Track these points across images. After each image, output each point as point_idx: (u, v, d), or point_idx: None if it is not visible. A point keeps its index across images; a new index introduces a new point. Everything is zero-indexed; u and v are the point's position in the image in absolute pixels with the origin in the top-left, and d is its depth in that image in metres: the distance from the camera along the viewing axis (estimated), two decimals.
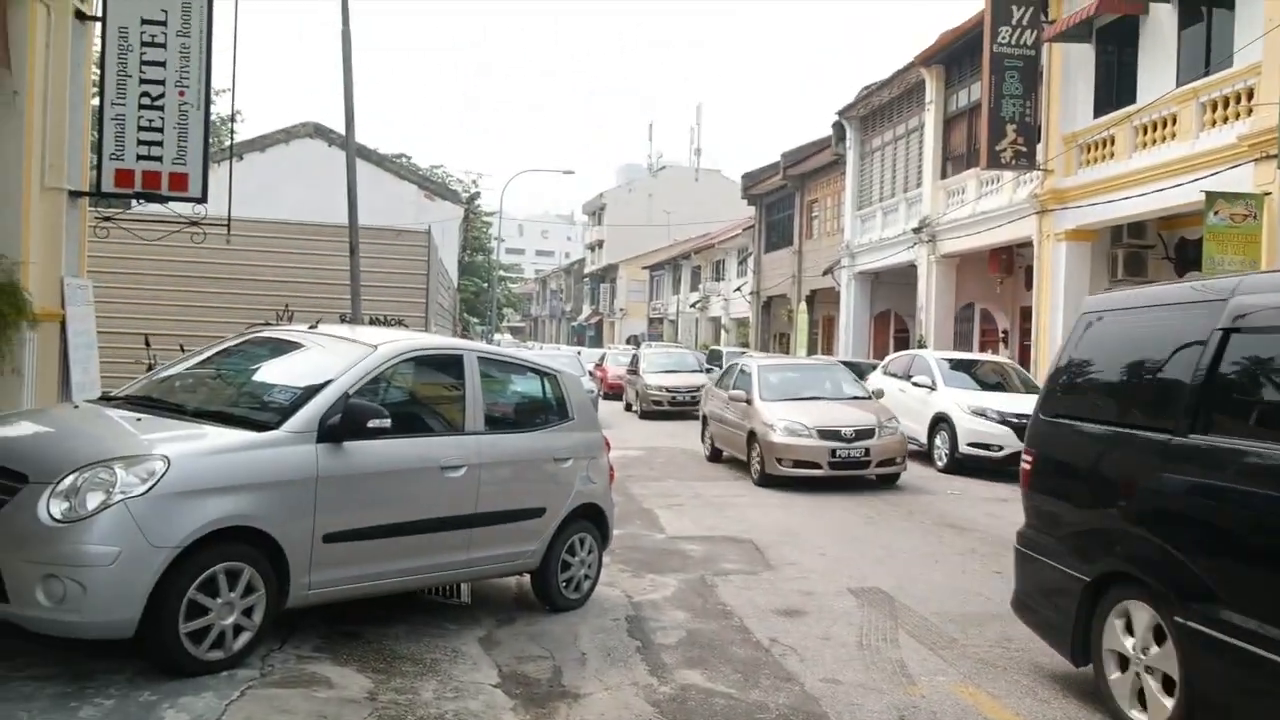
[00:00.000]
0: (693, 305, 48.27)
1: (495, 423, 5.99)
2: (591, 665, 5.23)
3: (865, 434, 12.04)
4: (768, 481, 12.00)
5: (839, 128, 27.52)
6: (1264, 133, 12.15)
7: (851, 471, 11.93)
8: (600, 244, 67.21)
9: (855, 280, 26.44)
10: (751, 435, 12.58)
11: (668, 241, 55.62)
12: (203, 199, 8.10)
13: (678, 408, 22.65)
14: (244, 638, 4.47)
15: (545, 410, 6.50)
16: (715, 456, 14.55)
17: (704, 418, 15.29)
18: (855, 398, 13.42)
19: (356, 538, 4.95)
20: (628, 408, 25.28)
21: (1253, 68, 12.65)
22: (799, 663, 5.39)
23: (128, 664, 4.31)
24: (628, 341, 52.32)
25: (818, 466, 11.79)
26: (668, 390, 23.04)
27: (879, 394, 14.38)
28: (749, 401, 12.95)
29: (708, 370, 24.91)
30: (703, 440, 15.18)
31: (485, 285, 45.64)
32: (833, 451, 11.83)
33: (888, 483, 12.31)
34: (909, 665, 5.40)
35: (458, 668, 4.97)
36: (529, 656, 5.31)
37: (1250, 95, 12.83)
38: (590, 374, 27.22)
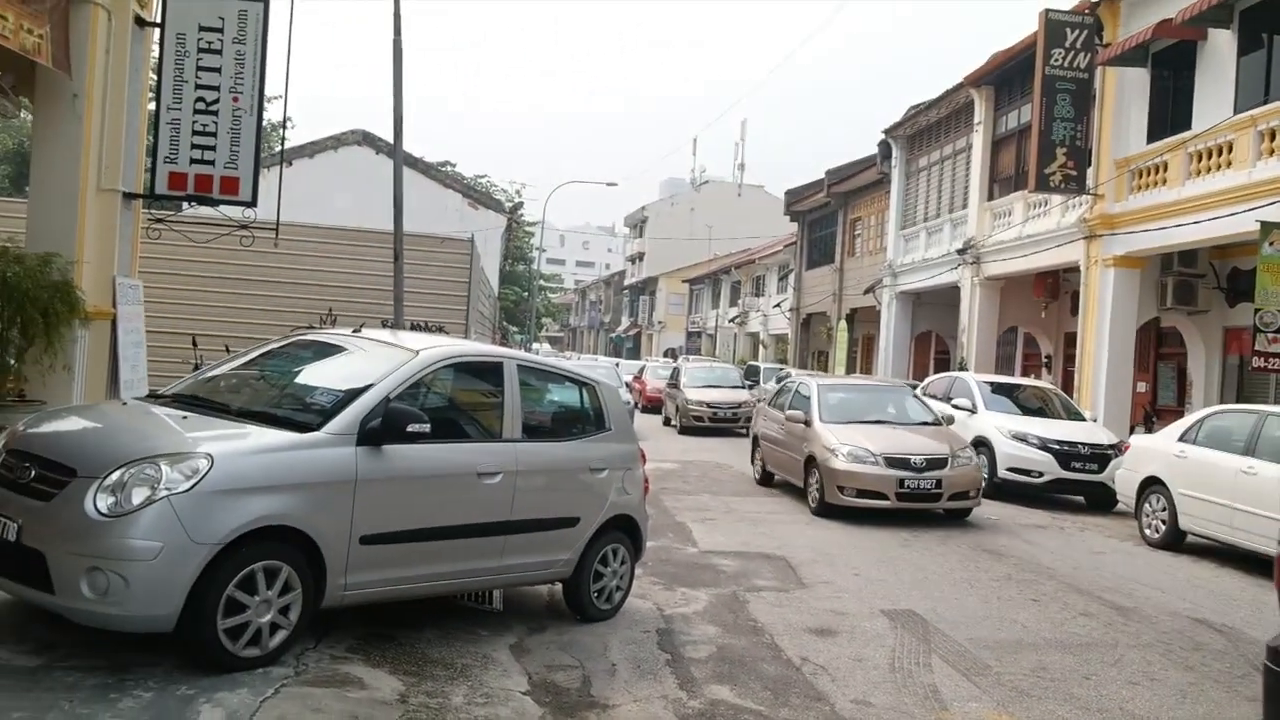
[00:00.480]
0: (731, 320, 48.16)
1: (532, 431, 6.02)
2: (621, 676, 5.22)
3: (937, 463, 10.93)
4: (827, 511, 10.96)
5: (885, 146, 27.39)
6: None
7: (921, 504, 10.90)
8: (641, 256, 67.34)
9: (897, 300, 26.23)
10: (810, 460, 11.50)
11: (708, 256, 55.59)
12: (253, 203, 8.26)
13: (718, 424, 22.11)
14: (280, 636, 4.52)
15: (582, 420, 6.52)
16: (766, 480, 13.57)
17: (755, 438, 14.30)
18: (924, 423, 12.28)
19: (393, 540, 4.99)
20: (666, 422, 24.71)
21: None
22: (830, 683, 5.34)
23: (166, 658, 4.37)
24: (666, 354, 52.30)
25: (884, 497, 10.69)
26: (708, 405, 22.35)
27: (949, 420, 13.13)
28: (807, 423, 11.86)
29: (750, 386, 24.22)
30: (753, 462, 14.21)
31: (525, 294, 45.93)
32: (900, 481, 10.70)
33: (958, 518, 11.36)
34: (941, 690, 5.32)
35: (488, 674, 4.98)
36: (559, 665, 5.31)
37: None
38: (628, 386, 27.29)
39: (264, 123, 10.97)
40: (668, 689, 5.07)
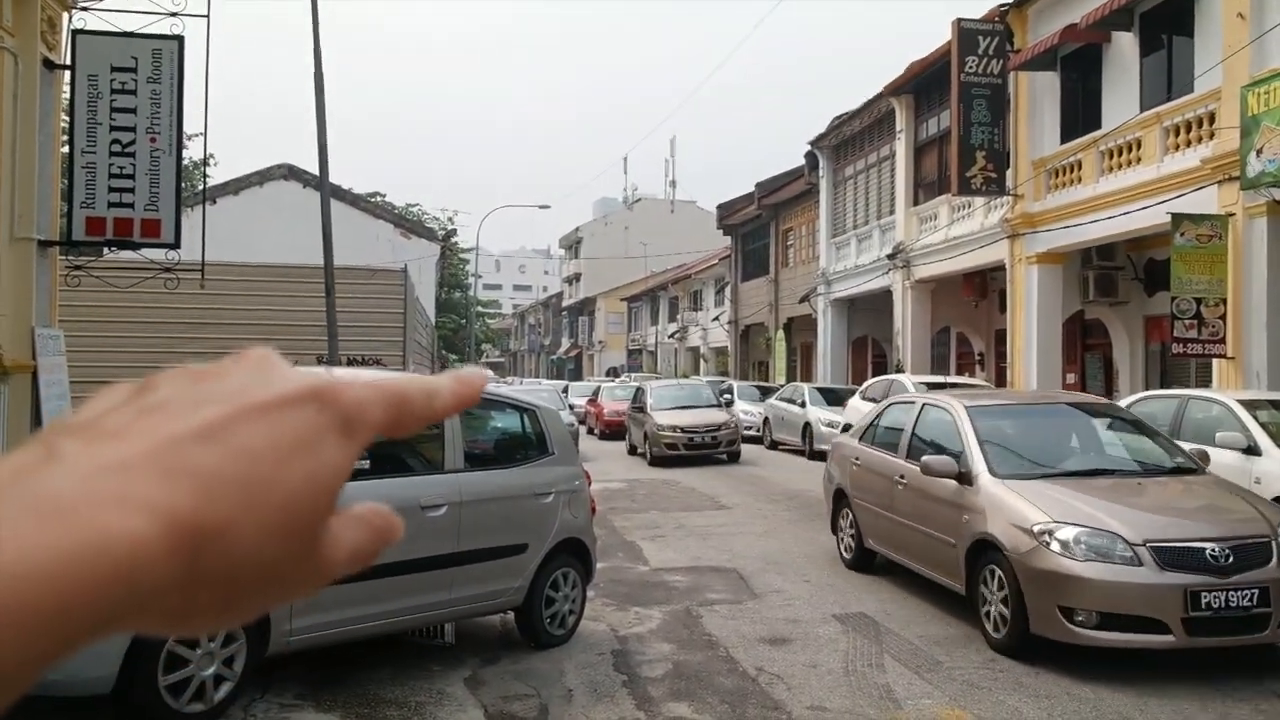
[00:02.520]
0: (671, 335, 48.40)
1: (475, 460, 5.98)
2: (578, 701, 5.19)
3: (1250, 556, 5.66)
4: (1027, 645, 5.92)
5: (811, 157, 27.85)
6: (1226, 155, 12.41)
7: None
8: (578, 277, 67.37)
9: (832, 307, 26.62)
10: (981, 548, 6.41)
11: (645, 273, 55.83)
12: (176, 245, 8.10)
13: (695, 451, 18.30)
14: (225, 688, 4.42)
15: (525, 446, 6.50)
16: (864, 562, 8.57)
17: (837, 495, 9.19)
18: (1174, 469, 7.18)
19: (337, 581, 4.90)
20: (632, 450, 20.81)
21: (1213, 93, 12.94)
22: (786, 691, 5.38)
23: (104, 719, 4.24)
24: (608, 373, 52.29)
25: (1163, 630, 5.52)
26: (683, 431, 18.43)
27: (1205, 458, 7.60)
28: (968, 481, 6.69)
29: (728, 403, 20.91)
30: (836, 531, 9.14)
31: (463, 321, 45.65)
32: (1191, 596, 5.51)
33: None
34: (895, 689, 5.40)
35: (443, 710, 4.92)
36: (515, 695, 5.27)
37: (1211, 119, 13.11)
38: (584, 411, 26.45)
39: (184, 161, 10.79)
40: (625, 710, 5.06)
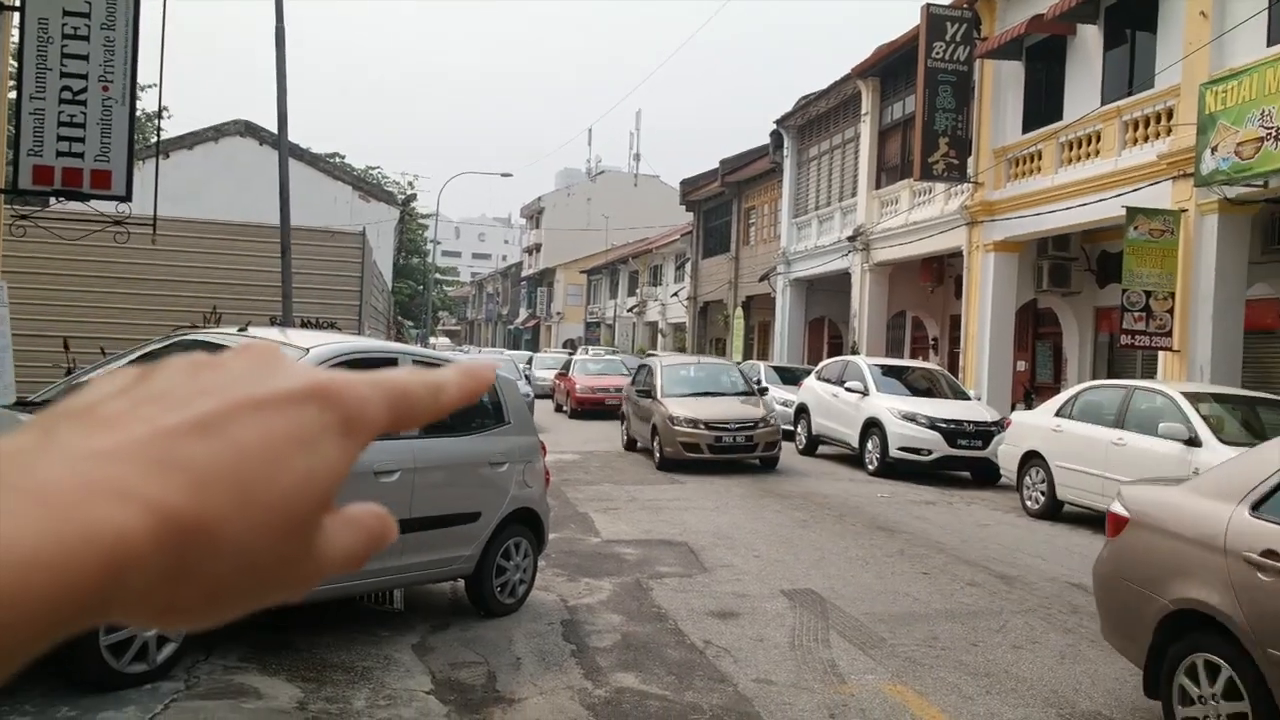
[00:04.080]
0: (630, 310, 48.38)
1: (430, 427, 5.94)
2: (526, 670, 5.21)
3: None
4: None
5: (776, 136, 27.86)
6: (1182, 152, 12.63)
7: None
8: (538, 247, 66.99)
9: (791, 287, 26.77)
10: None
11: (605, 246, 55.66)
12: (126, 197, 7.90)
13: (723, 454, 13.81)
14: (168, 649, 4.37)
15: (481, 414, 6.46)
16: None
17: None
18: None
19: None
20: (631, 446, 16.26)
21: (1172, 89, 13.14)
22: (732, 664, 5.44)
23: (43, 679, 4.17)
24: (564, 345, 52.18)
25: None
26: (707, 427, 13.75)
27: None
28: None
29: (762, 391, 16.24)
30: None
31: (421, 288, 45.19)
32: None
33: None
34: (839, 664, 5.49)
35: (390, 675, 4.91)
36: (463, 662, 5.27)
37: (1170, 115, 13.33)
38: (529, 380, 25.47)
39: (138, 113, 10.51)
40: (573, 679, 5.09)
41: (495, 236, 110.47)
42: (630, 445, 16.34)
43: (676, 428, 13.82)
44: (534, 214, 69.43)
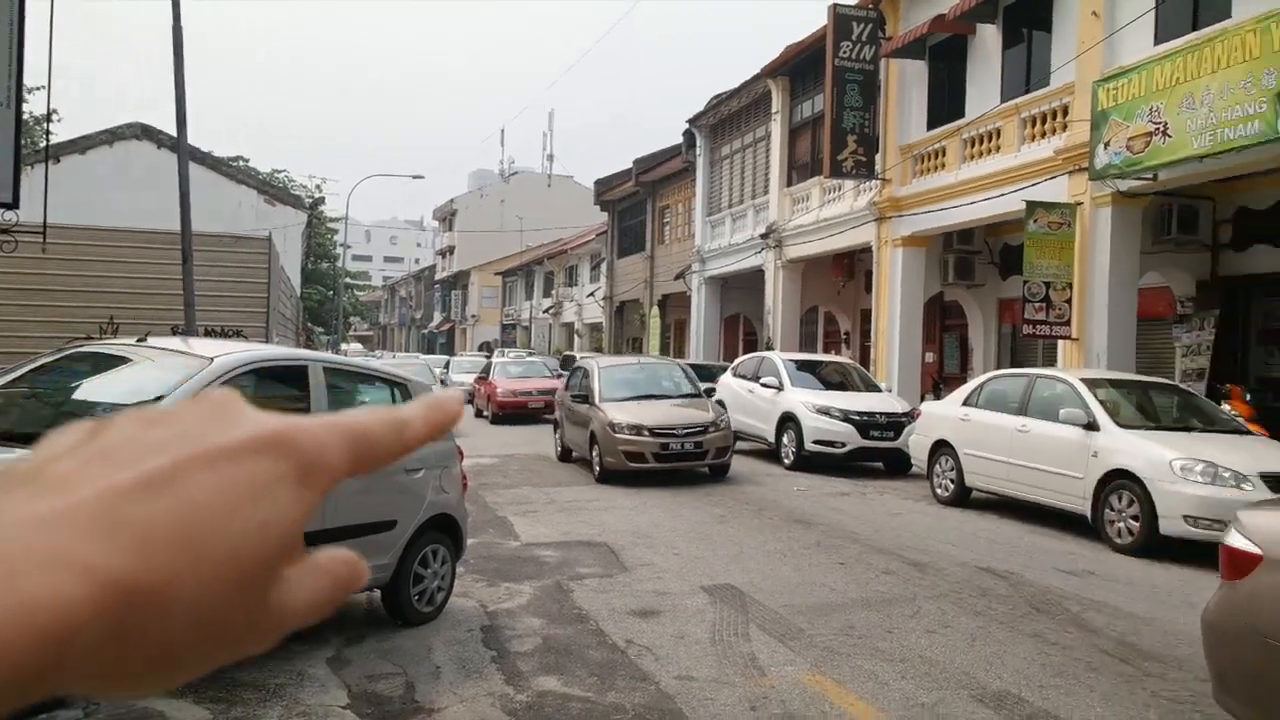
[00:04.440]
0: (546, 311, 48.18)
1: None
2: (446, 678, 5.14)
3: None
4: None
5: (689, 135, 28.06)
6: (1077, 147, 13.13)
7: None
8: (451, 250, 66.20)
9: (706, 285, 26.99)
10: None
11: (520, 247, 55.31)
12: (14, 204, 7.54)
13: (671, 463, 12.59)
14: None
15: None
16: None
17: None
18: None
19: None
20: (565, 456, 14.98)
21: (1067, 87, 13.64)
22: (654, 662, 5.46)
23: None
24: (480, 348, 51.69)
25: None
26: (652, 433, 12.50)
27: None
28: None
29: (708, 393, 14.91)
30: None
31: (330, 293, 44.24)
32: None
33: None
34: (759, 657, 5.54)
35: (304, 691, 4.78)
36: (380, 674, 5.17)
37: (1065, 112, 13.83)
38: (444, 384, 24.42)
39: (25, 115, 10.03)
40: (494, 685, 5.04)
41: (407, 239, 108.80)
42: (565, 455, 14.96)
43: (618, 435, 12.52)
44: (447, 216, 68.58)
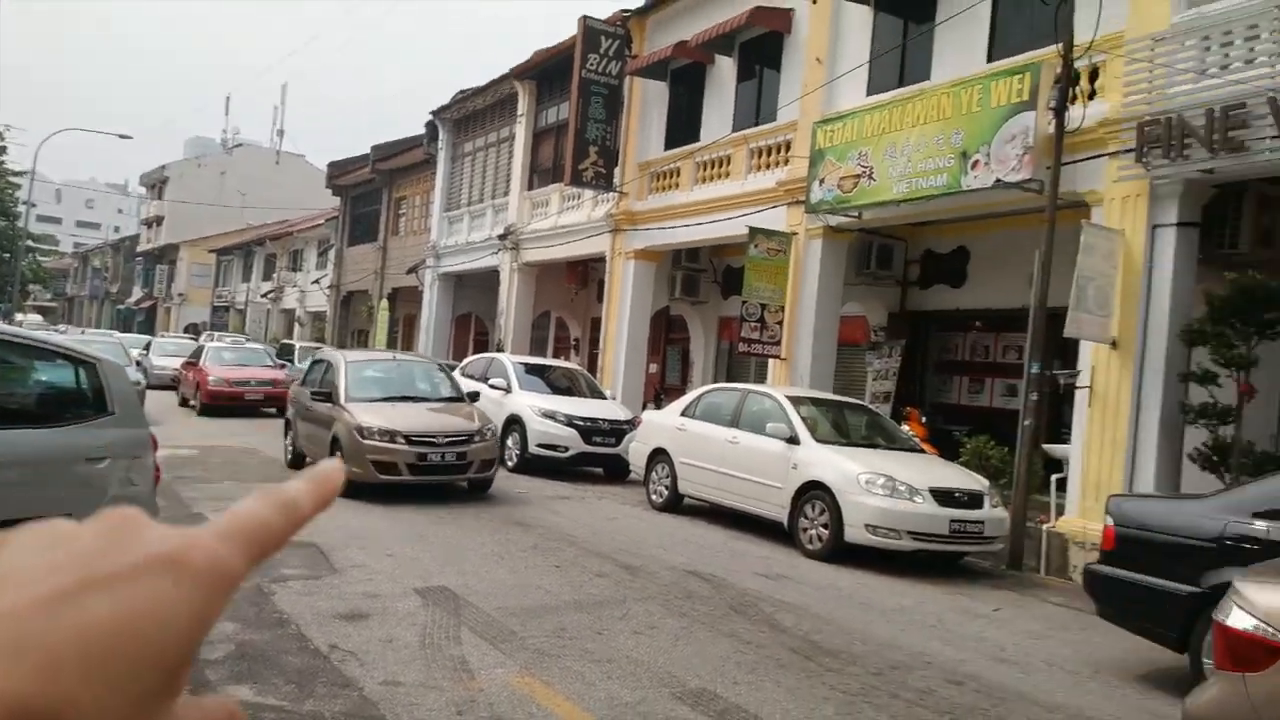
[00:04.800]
0: (265, 295, 45.26)
1: (10, 416, 5.11)
2: None
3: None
4: None
5: (432, 128, 27.45)
6: (796, 180, 14.15)
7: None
8: (160, 220, 60.59)
9: (439, 281, 26.50)
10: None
11: (241, 225, 51.67)
12: None
13: (428, 476, 11.07)
14: None
15: (78, 403, 5.68)
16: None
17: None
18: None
19: None
20: (298, 464, 12.97)
21: (791, 124, 14.67)
22: (359, 667, 5.23)
23: None
24: (187, 330, 47.73)
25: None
26: (409, 441, 10.89)
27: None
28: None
29: (473, 397, 12.85)
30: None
31: (7, 256, 39.10)
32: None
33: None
34: (469, 660, 5.47)
35: None
36: None
37: (788, 147, 14.87)
38: (140, 365, 22.34)
39: None
40: None
41: (107, 205, 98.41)
42: (298, 461, 12.99)
43: (367, 442, 10.74)
44: (157, 183, 62.68)
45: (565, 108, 20.41)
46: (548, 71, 21.89)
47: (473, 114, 25.92)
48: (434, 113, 26.92)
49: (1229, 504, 6.09)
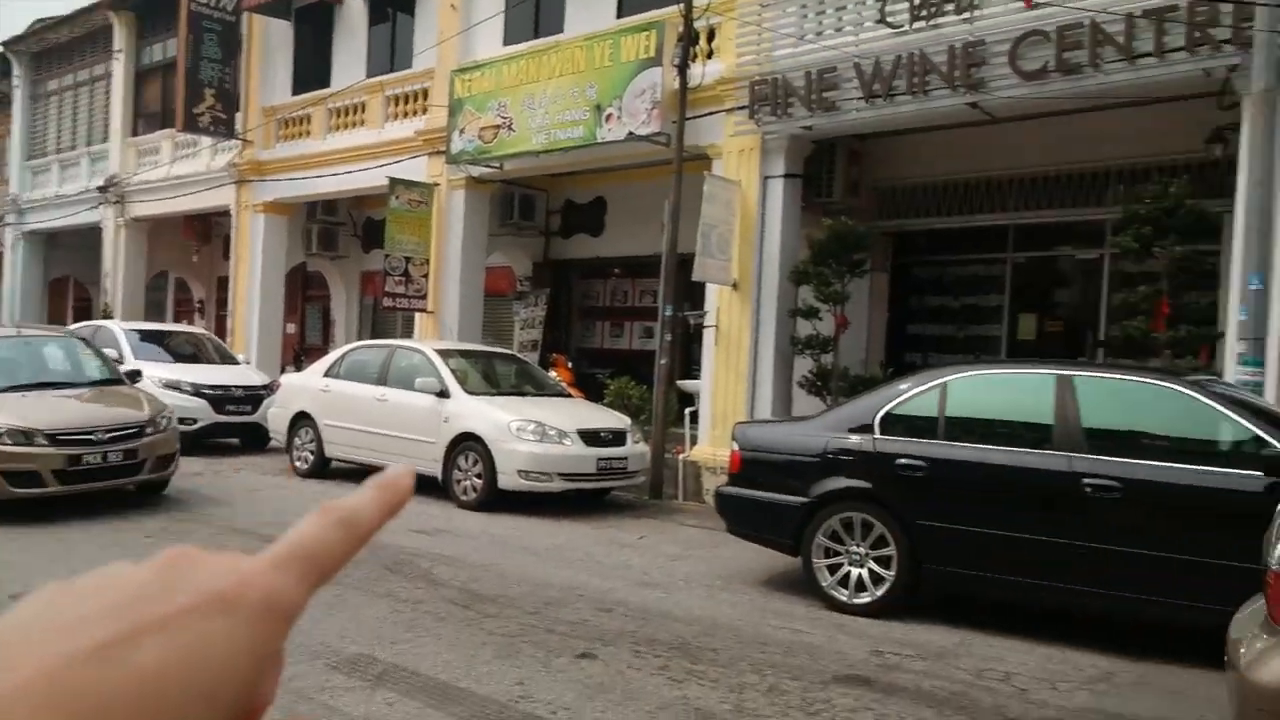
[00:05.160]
0: None
1: None
2: None
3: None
4: None
5: (4, 61, 23.52)
6: (436, 130, 13.82)
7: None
8: None
9: (25, 240, 22.99)
10: None
11: None
12: None
13: (86, 485, 8.58)
14: None
15: None
16: None
17: None
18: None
19: None
20: None
21: (428, 72, 14.27)
22: None
23: None
24: None
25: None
26: (54, 441, 8.39)
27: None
28: None
29: (133, 376, 10.63)
30: None
31: None
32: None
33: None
34: None
35: None
36: None
37: (426, 96, 14.46)
38: None
39: None
40: None
41: None
42: None
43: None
44: None
45: (174, 44, 18.34)
46: (151, 2, 19.51)
47: (56, 47, 22.54)
48: (6, 44, 23.06)
49: (829, 423, 6.86)
